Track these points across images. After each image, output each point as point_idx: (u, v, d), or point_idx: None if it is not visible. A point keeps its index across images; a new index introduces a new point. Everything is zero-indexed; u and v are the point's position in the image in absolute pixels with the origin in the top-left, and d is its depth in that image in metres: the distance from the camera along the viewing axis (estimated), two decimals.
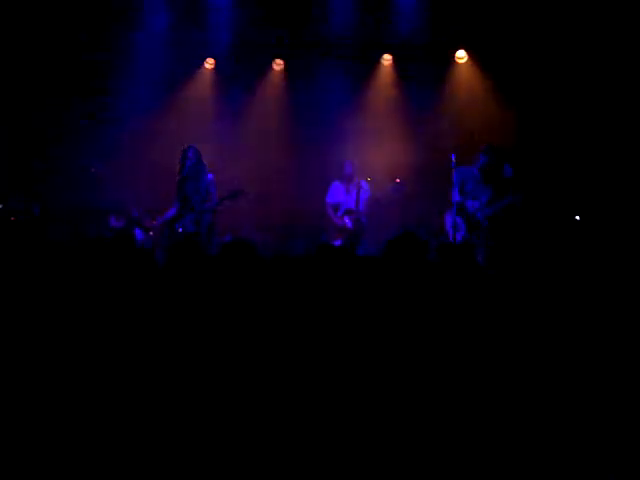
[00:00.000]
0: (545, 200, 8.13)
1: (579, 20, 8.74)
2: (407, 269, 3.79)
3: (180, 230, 8.06)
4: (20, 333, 3.74)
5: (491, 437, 3.13)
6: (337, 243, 8.27)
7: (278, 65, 9.85)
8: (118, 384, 3.47)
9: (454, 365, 3.36)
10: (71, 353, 3.61)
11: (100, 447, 3.25)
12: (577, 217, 4.04)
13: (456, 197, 7.62)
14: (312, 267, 4.05)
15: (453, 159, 7.65)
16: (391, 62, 9.71)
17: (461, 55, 9.51)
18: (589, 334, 3.46)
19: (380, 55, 9.70)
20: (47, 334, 3.73)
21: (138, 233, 8.12)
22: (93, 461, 3.23)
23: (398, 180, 9.08)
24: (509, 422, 3.17)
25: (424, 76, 9.42)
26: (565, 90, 8.90)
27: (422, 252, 3.86)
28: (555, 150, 8.89)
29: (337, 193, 8.72)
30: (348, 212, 8.60)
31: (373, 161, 9.04)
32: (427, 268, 4.08)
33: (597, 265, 4.27)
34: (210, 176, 8.13)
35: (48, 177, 9.08)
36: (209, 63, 9.81)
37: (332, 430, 3.19)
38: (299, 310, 3.75)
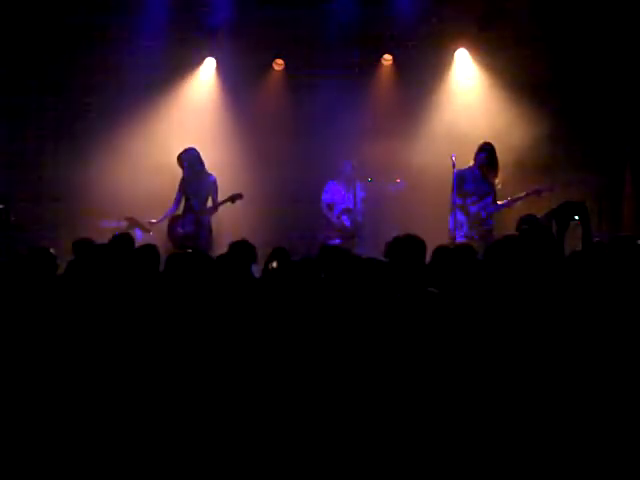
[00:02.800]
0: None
1: (580, 18, 8.75)
2: (407, 271, 3.79)
3: (180, 230, 8.07)
4: (19, 336, 3.73)
5: (490, 438, 3.13)
6: (335, 242, 8.26)
7: (278, 65, 9.84)
8: (119, 386, 3.47)
9: (459, 369, 3.34)
10: (70, 356, 3.60)
11: (98, 450, 3.25)
12: (576, 217, 4.03)
13: (456, 198, 7.62)
14: (313, 269, 4.04)
15: (453, 159, 7.65)
16: (391, 62, 9.70)
17: (461, 55, 9.50)
18: (594, 336, 3.44)
19: (380, 55, 9.69)
20: (47, 336, 3.72)
21: (138, 233, 8.13)
22: (93, 461, 3.23)
23: (398, 180, 9.09)
24: (511, 426, 3.17)
25: (424, 76, 9.42)
26: (565, 88, 8.91)
27: (421, 254, 3.86)
28: (556, 150, 8.89)
29: (333, 192, 8.73)
30: (346, 211, 8.61)
31: (373, 161, 9.03)
32: (426, 269, 4.08)
33: (599, 264, 4.25)
34: (212, 178, 8.14)
35: (47, 176, 9.08)
36: (210, 63, 9.78)
37: (331, 429, 3.19)
38: (300, 311, 3.74)
